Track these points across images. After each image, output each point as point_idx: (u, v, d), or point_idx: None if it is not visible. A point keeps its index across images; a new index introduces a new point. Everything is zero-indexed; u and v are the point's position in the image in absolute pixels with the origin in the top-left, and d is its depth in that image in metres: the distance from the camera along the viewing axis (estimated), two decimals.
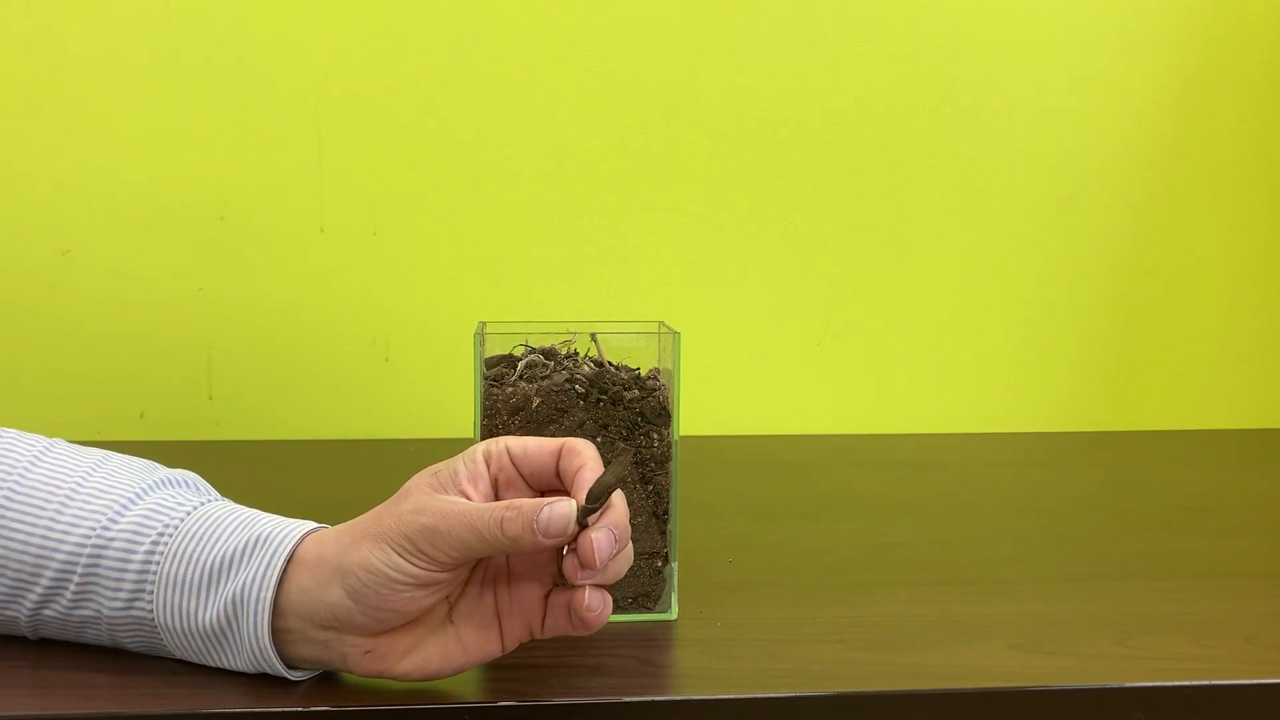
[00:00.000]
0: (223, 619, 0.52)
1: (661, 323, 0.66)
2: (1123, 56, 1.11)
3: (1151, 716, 0.56)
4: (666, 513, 0.63)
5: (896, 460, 1.03)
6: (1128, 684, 0.56)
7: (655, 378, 0.64)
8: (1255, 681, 0.57)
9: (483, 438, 0.61)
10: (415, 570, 0.49)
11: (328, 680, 0.54)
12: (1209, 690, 0.57)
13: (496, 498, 0.53)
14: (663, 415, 0.63)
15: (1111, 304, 1.15)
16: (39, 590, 0.54)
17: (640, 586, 0.63)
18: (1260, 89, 1.13)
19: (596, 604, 0.51)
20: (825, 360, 1.13)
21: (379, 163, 1.06)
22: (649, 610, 0.64)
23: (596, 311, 1.08)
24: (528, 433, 0.61)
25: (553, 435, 0.62)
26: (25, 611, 0.55)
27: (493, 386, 0.62)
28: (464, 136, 1.06)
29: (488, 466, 0.53)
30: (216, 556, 0.52)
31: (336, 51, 1.04)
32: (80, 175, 1.03)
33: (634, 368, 0.65)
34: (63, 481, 0.55)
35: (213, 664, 0.54)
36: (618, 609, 0.63)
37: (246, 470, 0.97)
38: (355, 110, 1.05)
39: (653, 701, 0.54)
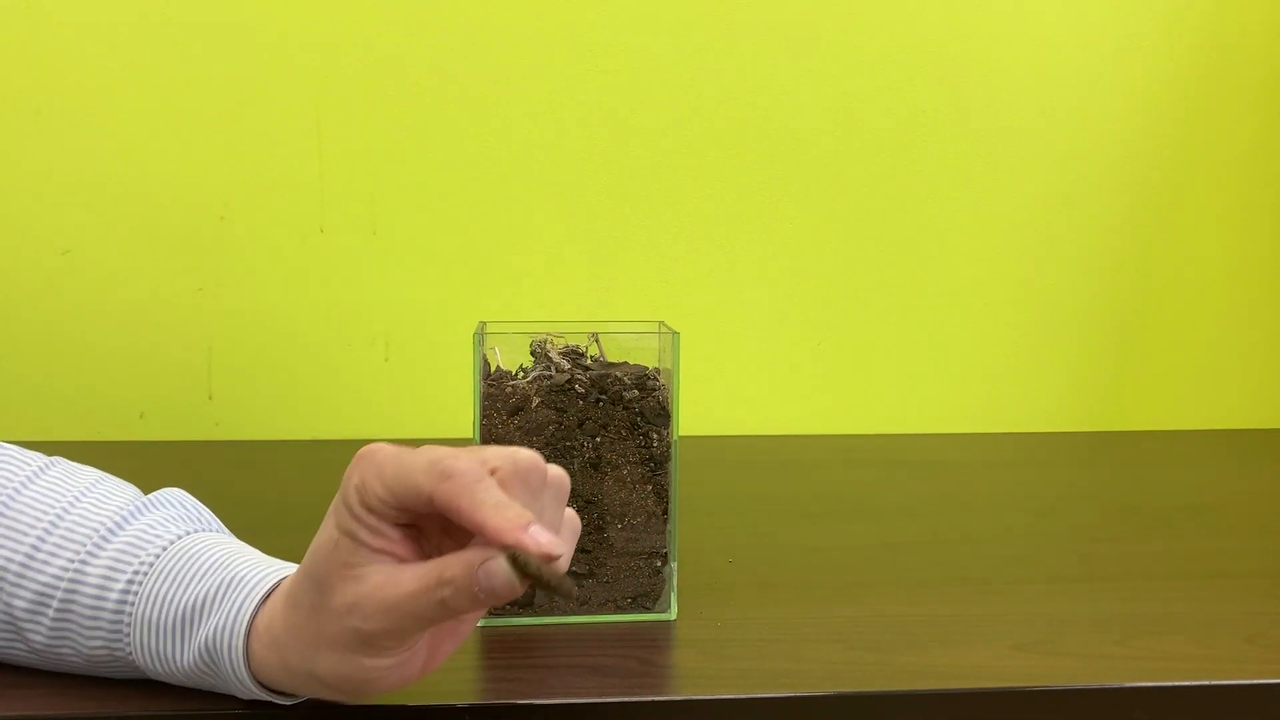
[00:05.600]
0: (201, 662, 0.50)
1: (661, 323, 0.66)
2: (1123, 56, 1.11)
3: (1152, 716, 0.56)
4: (666, 512, 0.63)
5: (896, 460, 1.03)
6: (1128, 684, 0.56)
7: (655, 378, 0.64)
8: (1255, 681, 0.57)
9: (482, 438, 0.61)
10: (382, 660, 0.46)
11: None
12: (1209, 690, 0.57)
13: (410, 524, 0.47)
14: (662, 415, 0.63)
15: (1111, 304, 1.15)
16: (18, 611, 0.53)
17: (640, 586, 0.63)
18: (1260, 89, 1.13)
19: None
20: (825, 360, 1.13)
21: (379, 163, 1.06)
22: (649, 610, 0.64)
23: (596, 311, 1.08)
24: (527, 433, 0.61)
25: (553, 434, 0.62)
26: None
27: (492, 387, 0.62)
28: (464, 136, 1.06)
29: (372, 515, 0.45)
30: (189, 600, 0.50)
31: (336, 51, 1.04)
32: (80, 175, 1.03)
33: (647, 367, 0.65)
34: (50, 506, 0.54)
35: (209, 689, 0.52)
36: (618, 609, 0.63)
37: (246, 470, 0.97)
38: (355, 110, 1.05)
39: (653, 701, 0.54)
